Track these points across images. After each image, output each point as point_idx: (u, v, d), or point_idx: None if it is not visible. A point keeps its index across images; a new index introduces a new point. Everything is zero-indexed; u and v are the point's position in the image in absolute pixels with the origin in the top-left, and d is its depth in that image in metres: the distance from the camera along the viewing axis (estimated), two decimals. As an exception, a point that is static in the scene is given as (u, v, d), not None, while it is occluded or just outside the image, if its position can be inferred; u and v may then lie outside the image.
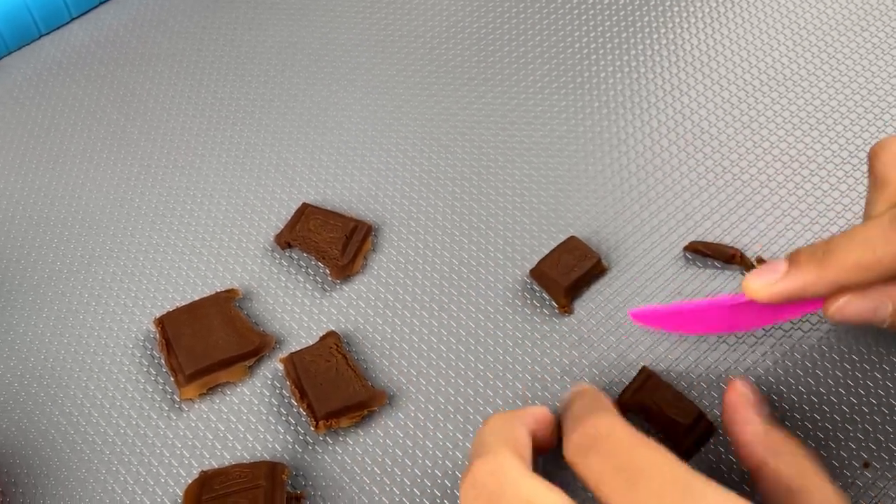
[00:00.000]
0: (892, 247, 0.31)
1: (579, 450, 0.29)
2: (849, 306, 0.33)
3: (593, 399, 0.32)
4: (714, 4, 0.53)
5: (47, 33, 0.53)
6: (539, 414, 0.33)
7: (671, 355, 0.40)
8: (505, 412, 0.32)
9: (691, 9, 0.53)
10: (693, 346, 0.40)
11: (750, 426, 0.33)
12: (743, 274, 0.42)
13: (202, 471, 0.37)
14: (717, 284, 0.42)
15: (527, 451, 0.30)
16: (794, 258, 0.33)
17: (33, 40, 0.53)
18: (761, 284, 0.33)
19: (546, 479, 0.29)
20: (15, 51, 0.53)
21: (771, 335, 0.40)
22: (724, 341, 0.40)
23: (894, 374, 0.39)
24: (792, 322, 0.40)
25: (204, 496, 0.35)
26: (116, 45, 0.53)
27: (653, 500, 0.27)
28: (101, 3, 0.54)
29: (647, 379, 0.38)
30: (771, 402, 0.38)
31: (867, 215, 0.35)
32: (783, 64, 0.50)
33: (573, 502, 0.28)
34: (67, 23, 0.54)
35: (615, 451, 0.29)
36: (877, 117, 0.47)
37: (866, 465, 0.37)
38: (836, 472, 0.36)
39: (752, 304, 0.34)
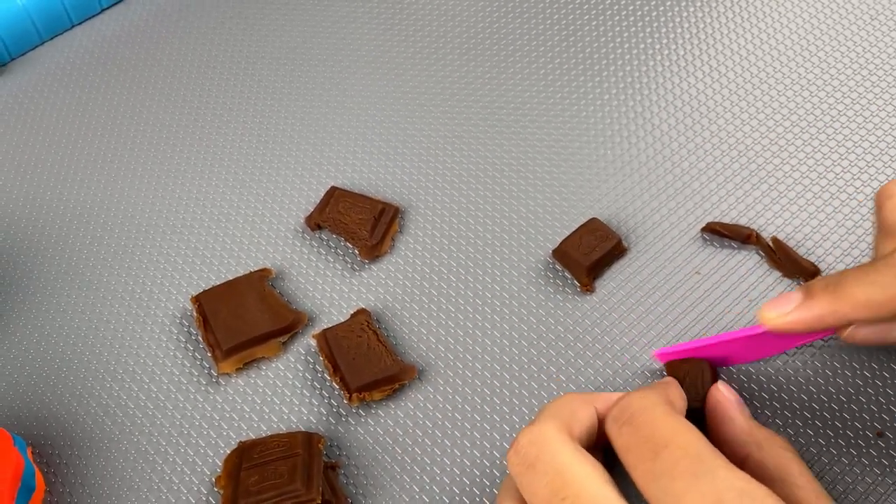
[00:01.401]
0: None
1: (616, 423, 0.31)
2: (859, 332, 0.35)
3: (655, 385, 0.34)
4: (729, -7, 0.54)
5: (79, 24, 0.55)
6: (614, 397, 0.34)
7: (690, 333, 0.41)
8: (576, 393, 0.34)
9: (707, -2, 0.54)
10: (711, 325, 0.41)
11: (734, 423, 0.35)
12: (759, 254, 0.43)
13: (240, 441, 0.38)
14: (734, 264, 0.43)
15: (580, 425, 0.32)
16: (808, 289, 0.34)
17: (65, 30, 0.55)
18: (776, 314, 0.34)
19: (590, 455, 0.30)
20: (48, 40, 0.54)
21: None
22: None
23: (906, 348, 0.40)
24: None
25: (244, 465, 0.37)
26: (149, 36, 0.54)
27: (668, 471, 0.28)
28: (130, -5, 0.56)
29: None
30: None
31: (877, 254, 0.36)
32: (802, 46, 0.51)
33: (606, 475, 0.29)
34: (98, 13, 0.55)
35: (646, 424, 0.30)
36: (894, 97, 0.48)
37: (880, 434, 0.38)
38: (850, 442, 0.38)
39: (767, 334, 0.36)
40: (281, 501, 0.35)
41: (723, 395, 0.36)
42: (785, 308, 0.35)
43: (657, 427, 0.30)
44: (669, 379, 0.36)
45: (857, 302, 0.33)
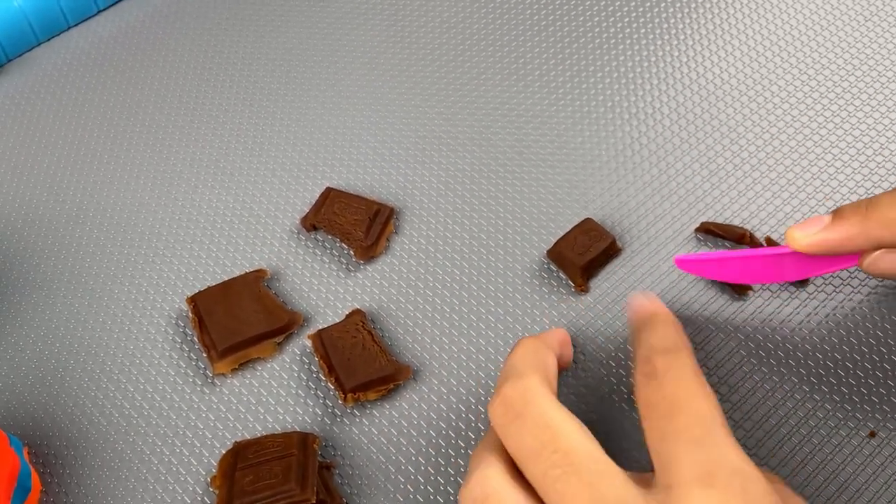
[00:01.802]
0: None
1: (646, 377, 0.32)
2: (883, 259, 0.34)
3: (673, 333, 0.34)
4: (723, -6, 0.54)
5: (75, 25, 0.55)
6: (561, 336, 0.36)
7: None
8: (532, 337, 0.35)
9: (701, -2, 0.54)
10: (704, 324, 0.42)
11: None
12: (753, 254, 0.43)
13: (236, 441, 0.38)
14: (728, 264, 0.43)
15: (553, 376, 0.33)
16: (837, 211, 0.35)
17: (62, 31, 0.55)
18: (802, 234, 0.35)
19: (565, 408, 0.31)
20: (45, 42, 0.54)
21: (781, 311, 0.42)
22: (735, 318, 0.42)
23: (899, 348, 0.40)
24: (806, 295, 0.42)
25: (238, 465, 0.37)
26: (143, 36, 0.54)
27: (675, 434, 0.29)
28: (127, -4, 0.56)
29: None
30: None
31: None
32: (796, 47, 0.51)
33: (587, 431, 0.30)
34: (94, 14, 0.55)
35: (668, 383, 0.31)
36: (887, 98, 0.48)
37: (872, 434, 0.38)
38: (843, 441, 0.38)
39: (792, 256, 0.36)
40: (275, 501, 0.35)
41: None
42: (812, 228, 0.35)
43: (680, 388, 0.30)
44: (665, 314, 0.36)
45: (888, 221, 0.33)
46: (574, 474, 0.28)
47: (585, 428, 0.30)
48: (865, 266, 0.35)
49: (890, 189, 0.34)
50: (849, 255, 0.36)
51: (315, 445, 0.38)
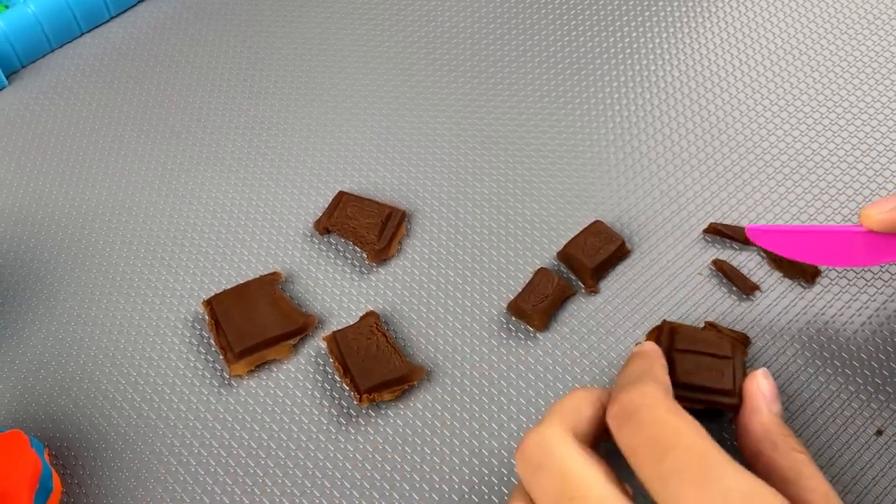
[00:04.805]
0: None
1: (617, 420, 0.31)
2: None
3: (644, 365, 0.34)
4: (728, -2, 0.55)
5: (88, 31, 0.56)
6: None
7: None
8: (587, 388, 0.34)
9: None
10: (722, 316, 0.42)
11: (758, 416, 0.34)
12: (760, 255, 0.44)
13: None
14: (736, 265, 0.44)
15: (585, 423, 0.32)
16: None
17: (75, 38, 0.55)
18: (877, 210, 0.35)
19: (595, 454, 0.30)
20: (58, 48, 0.55)
21: (788, 311, 0.42)
22: (743, 319, 0.42)
23: (905, 347, 0.41)
24: (812, 295, 0.42)
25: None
26: (155, 42, 0.55)
27: (676, 475, 0.28)
28: (139, 2, 0.57)
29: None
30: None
31: None
32: (802, 50, 0.52)
33: (611, 475, 0.30)
34: (107, 21, 0.56)
35: (649, 423, 0.30)
36: (891, 100, 0.49)
37: (879, 432, 0.39)
38: (850, 439, 0.39)
39: (865, 236, 0.36)
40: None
41: (756, 385, 0.35)
42: (887, 206, 0.35)
43: (662, 427, 0.30)
44: (650, 349, 0.35)
45: None
46: None
47: (606, 468, 0.30)
48: None
49: None
50: None
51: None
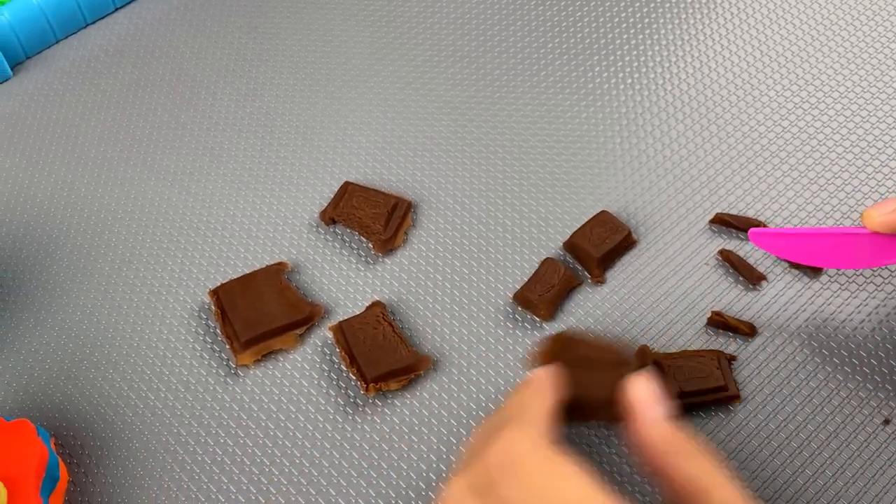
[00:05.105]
0: None
1: (499, 471, 0.29)
2: None
3: (524, 399, 0.31)
4: (734, -11, 0.55)
5: (93, 22, 0.56)
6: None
7: (699, 322, 0.42)
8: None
9: (712, -7, 0.55)
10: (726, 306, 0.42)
11: (651, 425, 0.31)
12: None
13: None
14: (743, 253, 0.44)
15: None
16: None
17: (80, 29, 0.55)
18: (878, 212, 0.36)
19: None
20: (63, 39, 0.55)
21: (794, 301, 0.42)
22: (749, 309, 0.42)
23: (912, 336, 0.41)
24: (819, 285, 0.42)
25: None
26: (160, 33, 0.55)
27: None
28: (143, -6, 0.57)
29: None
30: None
31: None
32: (806, 42, 0.52)
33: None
34: (112, 12, 0.56)
35: (527, 479, 0.28)
36: (892, 96, 0.49)
37: (886, 421, 0.39)
38: (857, 429, 0.39)
39: (869, 238, 0.36)
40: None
41: (636, 395, 0.32)
42: (888, 208, 0.35)
43: (541, 482, 0.28)
44: (538, 378, 0.33)
45: None
46: None
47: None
48: None
49: None
50: None
51: None
